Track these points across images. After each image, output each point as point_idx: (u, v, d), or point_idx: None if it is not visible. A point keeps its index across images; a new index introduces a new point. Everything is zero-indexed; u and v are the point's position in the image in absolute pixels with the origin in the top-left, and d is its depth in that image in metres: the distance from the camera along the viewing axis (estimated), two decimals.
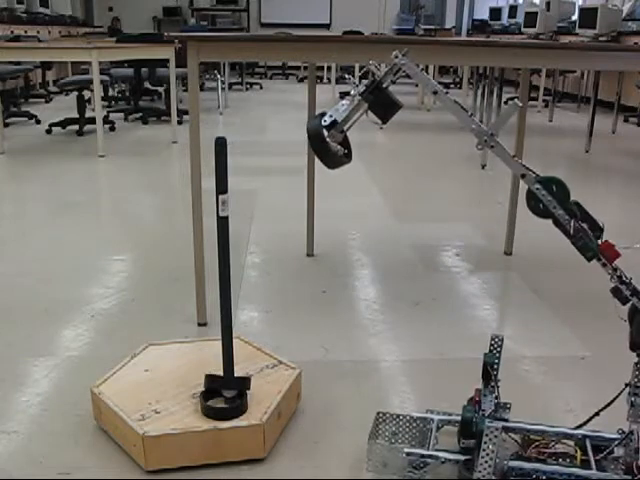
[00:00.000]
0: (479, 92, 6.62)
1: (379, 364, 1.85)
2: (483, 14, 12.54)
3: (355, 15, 12.70)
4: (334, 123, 1.30)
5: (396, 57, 1.26)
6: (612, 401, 1.31)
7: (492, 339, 1.45)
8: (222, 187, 1.36)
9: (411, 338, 2.01)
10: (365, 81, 1.29)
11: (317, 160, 2.66)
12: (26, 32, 8.05)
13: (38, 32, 8.35)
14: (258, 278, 2.49)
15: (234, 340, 1.70)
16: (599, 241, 1.23)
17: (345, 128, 1.32)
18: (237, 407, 1.44)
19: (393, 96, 1.31)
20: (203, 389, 1.49)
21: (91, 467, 1.38)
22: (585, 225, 1.24)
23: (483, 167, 4.59)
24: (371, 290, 2.39)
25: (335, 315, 2.15)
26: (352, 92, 1.29)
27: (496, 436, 1.13)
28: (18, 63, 6.75)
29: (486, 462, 1.15)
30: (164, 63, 5.71)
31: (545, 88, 8.14)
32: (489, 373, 1.40)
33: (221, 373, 1.49)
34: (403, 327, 2.10)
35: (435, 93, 1.29)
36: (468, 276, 2.54)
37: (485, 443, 1.14)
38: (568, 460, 1.31)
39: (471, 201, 3.80)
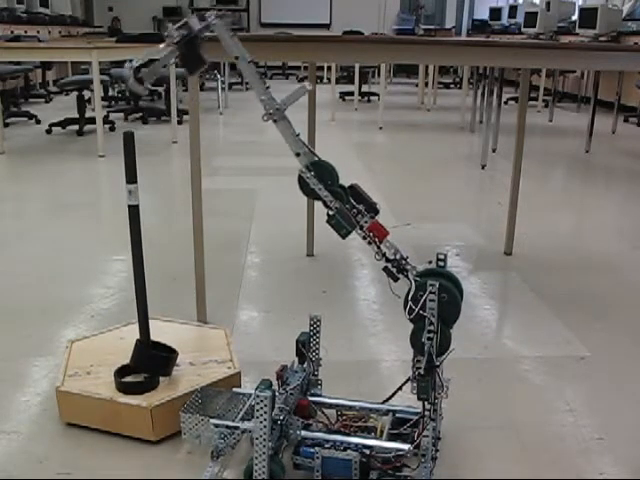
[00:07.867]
0: (479, 92, 6.62)
1: (379, 364, 1.86)
2: (483, 14, 12.54)
3: (355, 15, 12.70)
4: (147, 64, 1.36)
5: (211, 16, 1.32)
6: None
7: (310, 319, 1.55)
8: (131, 177, 1.43)
9: None
10: (182, 31, 1.33)
11: None
12: (26, 32, 8.04)
13: (38, 32, 8.34)
14: (258, 278, 2.49)
15: (217, 331, 1.79)
16: (372, 221, 1.31)
17: (158, 71, 1.38)
18: (134, 384, 1.49)
19: (202, 53, 1.36)
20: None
21: (91, 467, 1.38)
22: (362, 206, 1.32)
23: (483, 167, 4.59)
24: (371, 290, 2.39)
25: (335, 315, 2.15)
26: (167, 40, 1.34)
27: (266, 405, 1.21)
28: (18, 63, 6.75)
29: (260, 429, 1.23)
30: None
31: (545, 88, 8.15)
32: (301, 351, 1.51)
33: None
34: (403, 327, 2.09)
35: (237, 58, 1.32)
36: (468, 276, 2.54)
37: (257, 411, 1.22)
38: (368, 432, 1.41)
39: (471, 201, 3.80)
